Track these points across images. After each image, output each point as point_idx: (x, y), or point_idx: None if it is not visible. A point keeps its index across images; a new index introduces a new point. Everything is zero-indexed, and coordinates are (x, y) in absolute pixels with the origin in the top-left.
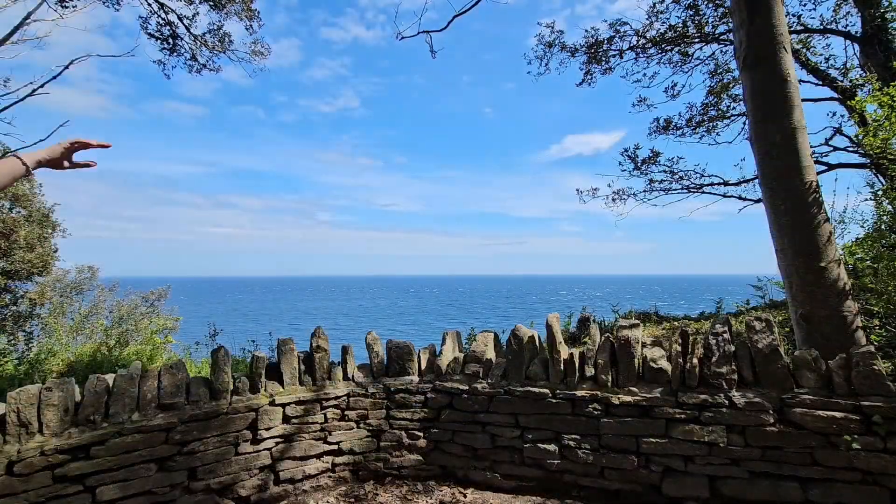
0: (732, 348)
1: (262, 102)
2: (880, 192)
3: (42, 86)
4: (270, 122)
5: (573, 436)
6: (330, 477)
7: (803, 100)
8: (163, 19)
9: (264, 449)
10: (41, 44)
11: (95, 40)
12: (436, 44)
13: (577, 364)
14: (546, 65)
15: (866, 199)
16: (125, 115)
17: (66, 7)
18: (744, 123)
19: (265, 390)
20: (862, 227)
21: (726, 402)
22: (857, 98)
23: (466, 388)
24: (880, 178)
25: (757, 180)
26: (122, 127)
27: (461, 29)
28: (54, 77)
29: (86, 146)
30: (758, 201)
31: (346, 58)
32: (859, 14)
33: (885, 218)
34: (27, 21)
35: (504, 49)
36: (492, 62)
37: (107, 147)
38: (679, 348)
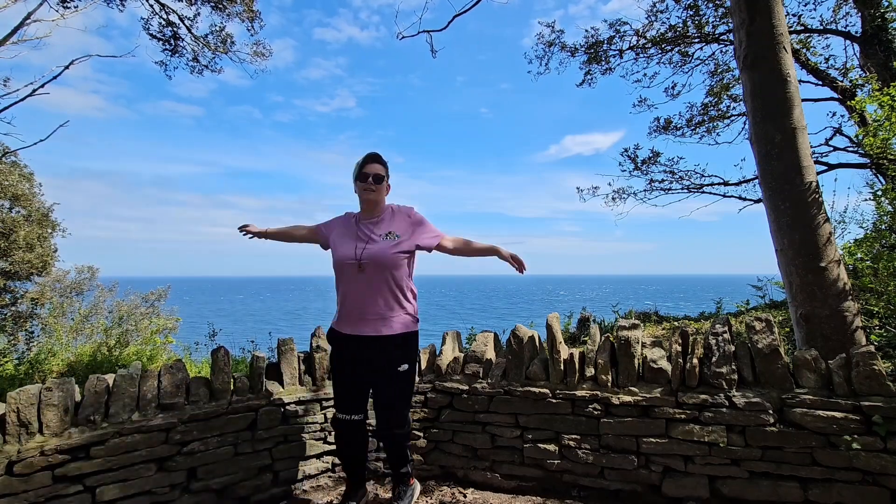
0: (732, 348)
1: (258, 103)
2: (880, 192)
3: (42, 86)
4: (267, 122)
5: (573, 436)
6: (330, 477)
7: (803, 100)
8: (164, 20)
9: (264, 449)
10: (39, 44)
11: (90, 40)
12: (435, 44)
13: (577, 364)
14: (546, 64)
15: (866, 199)
16: (122, 115)
17: (68, 7)
18: (744, 123)
19: (265, 390)
20: (862, 227)
21: (726, 402)
22: (857, 98)
23: (466, 388)
24: (880, 178)
25: (757, 180)
26: (119, 127)
27: (458, 30)
28: (55, 77)
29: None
30: (758, 201)
31: (341, 58)
32: (859, 14)
33: (885, 218)
34: (27, 21)
35: (499, 49)
36: (487, 62)
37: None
38: (679, 348)
